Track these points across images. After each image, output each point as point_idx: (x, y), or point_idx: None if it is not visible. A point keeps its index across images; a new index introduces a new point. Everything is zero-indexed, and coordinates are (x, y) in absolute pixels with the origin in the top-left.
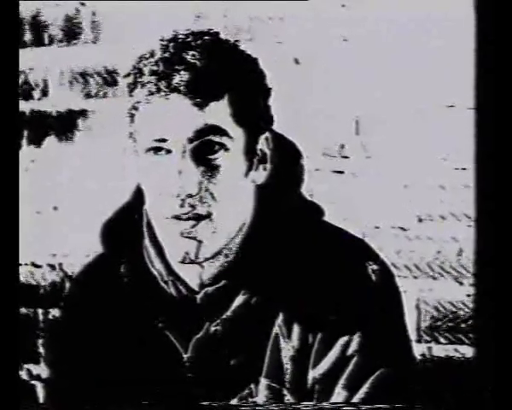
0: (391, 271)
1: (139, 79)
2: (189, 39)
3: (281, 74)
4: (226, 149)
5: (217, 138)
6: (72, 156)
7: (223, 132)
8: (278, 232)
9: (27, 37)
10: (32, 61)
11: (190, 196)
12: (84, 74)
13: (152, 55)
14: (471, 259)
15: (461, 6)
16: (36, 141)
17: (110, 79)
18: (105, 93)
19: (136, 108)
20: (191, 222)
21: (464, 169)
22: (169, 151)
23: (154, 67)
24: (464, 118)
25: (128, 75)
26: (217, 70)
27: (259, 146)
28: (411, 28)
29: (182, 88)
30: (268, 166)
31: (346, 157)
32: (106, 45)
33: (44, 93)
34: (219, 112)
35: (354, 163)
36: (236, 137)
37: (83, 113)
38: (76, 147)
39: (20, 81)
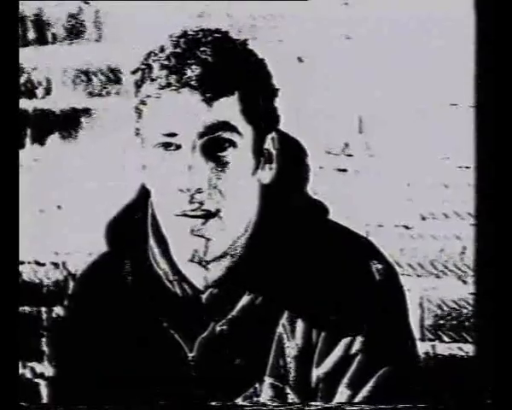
0: (395, 269)
1: (148, 75)
2: (199, 36)
3: (284, 73)
4: (235, 146)
5: (227, 135)
6: (76, 155)
7: (233, 129)
8: (283, 231)
9: (30, 35)
10: (34, 60)
11: (200, 191)
12: (87, 73)
13: (162, 50)
14: (474, 257)
15: (461, 6)
16: (39, 139)
17: (113, 77)
18: (108, 91)
19: (144, 103)
20: (201, 220)
21: (467, 168)
22: (178, 146)
23: (165, 62)
24: (466, 116)
25: (136, 71)
26: (227, 67)
27: (266, 146)
28: (413, 27)
29: (193, 82)
30: (274, 166)
31: (349, 155)
32: (109, 44)
33: (47, 92)
34: (229, 108)
35: (357, 162)
36: (245, 134)
37: (86, 111)
38: (79, 145)
39: (24, 80)
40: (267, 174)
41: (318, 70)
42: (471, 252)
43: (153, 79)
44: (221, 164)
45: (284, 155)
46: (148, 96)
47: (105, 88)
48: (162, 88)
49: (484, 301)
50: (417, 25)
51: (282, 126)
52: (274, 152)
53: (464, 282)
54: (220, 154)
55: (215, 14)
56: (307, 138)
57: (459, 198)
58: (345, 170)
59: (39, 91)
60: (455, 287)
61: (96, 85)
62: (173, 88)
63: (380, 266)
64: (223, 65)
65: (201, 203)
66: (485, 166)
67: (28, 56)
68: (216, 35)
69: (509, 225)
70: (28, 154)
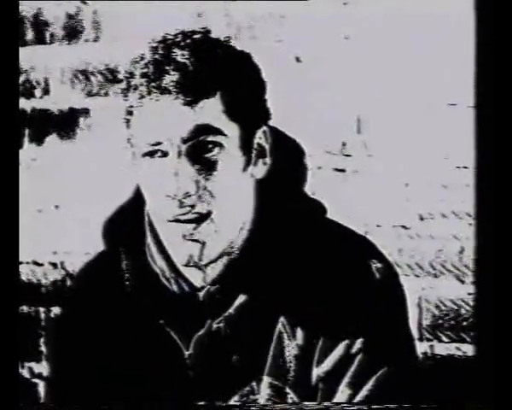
0: (394, 269)
1: (131, 83)
2: (178, 39)
3: (282, 72)
4: (221, 147)
5: (210, 137)
6: (74, 155)
7: (216, 131)
8: (281, 230)
9: (29, 35)
10: (33, 60)
11: (188, 194)
12: (85, 72)
13: (142, 58)
14: (472, 257)
15: (461, 6)
16: (37, 139)
17: (111, 77)
18: (106, 91)
19: (130, 113)
20: (193, 224)
21: (465, 168)
22: (165, 154)
23: (145, 70)
24: (465, 116)
25: (121, 80)
26: (207, 68)
27: (257, 140)
28: (412, 27)
29: (172, 88)
30: (268, 160)
31: (347, 155)
32: (107, 44)
33: (46, 91)
34: (211, 109)
35: (356, 161)
36: (231, 133)
37: (84, 111)
38: (77, 145)
39: (22, 79)
40: (260, 169)
41: (316, 70)
42: (469, 252)
43: (135, 88)
44: (208, 165)
45: (279, 150)
46: (132, 107)
47: (103, 88)
48: (143, 97)
49: (483, 300)
50: (417, 25)
51: (281, 126)
52: (267, 146)
53: (462, 282)
54: (206, 156)
55: (214, 14)
56: (305, 138)
57: (457, 198)
58: (343, 170)
59: (37, 91)
60: (453, 287)
61: (94, 85)
62: (154, 96)
63: (379, 266)
64: (202, 67)
65: (192, 206)
66: (485, 167)
67: (26, 56)
68: (195, 36)
69: (508, 225)
70: (26, 153)
